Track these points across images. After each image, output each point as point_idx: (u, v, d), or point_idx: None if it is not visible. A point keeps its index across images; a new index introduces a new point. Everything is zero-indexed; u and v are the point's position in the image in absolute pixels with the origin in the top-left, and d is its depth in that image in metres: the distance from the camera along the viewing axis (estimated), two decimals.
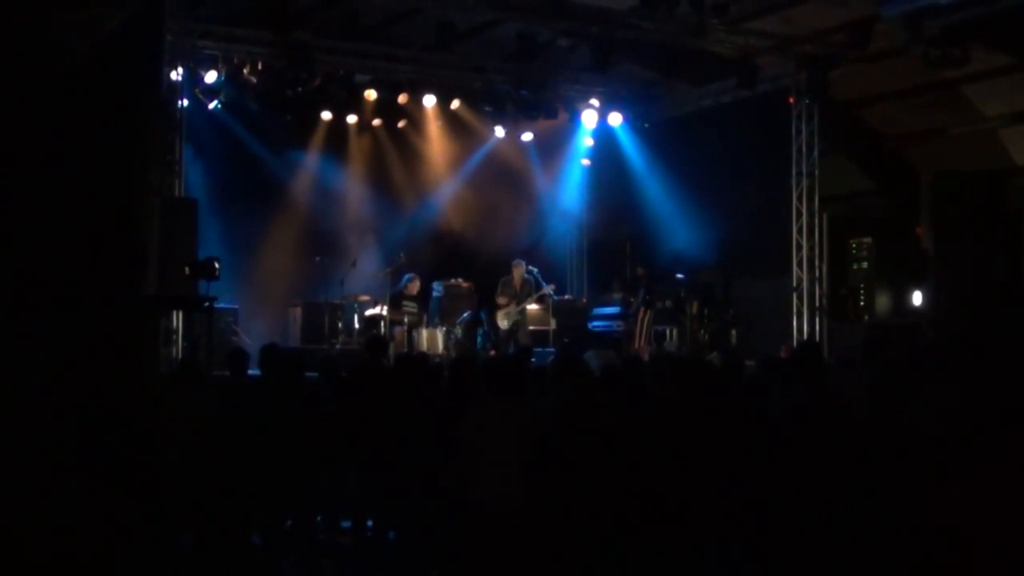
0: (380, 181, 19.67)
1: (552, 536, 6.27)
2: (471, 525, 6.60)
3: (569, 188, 21.33)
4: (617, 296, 18.87)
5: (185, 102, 16.20)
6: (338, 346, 16.54)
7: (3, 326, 7.81)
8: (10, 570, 6.52)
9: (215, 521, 8.64)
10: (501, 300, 17.90)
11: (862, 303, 16.75)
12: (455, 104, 18.60)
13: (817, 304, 17.00)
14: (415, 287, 17.70)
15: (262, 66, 16.63)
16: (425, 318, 17.69)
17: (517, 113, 18.85)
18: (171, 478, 8.73)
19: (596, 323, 19.01)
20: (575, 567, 6.17)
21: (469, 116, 19.19)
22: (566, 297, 19.84)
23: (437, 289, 18.50)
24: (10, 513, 6.97)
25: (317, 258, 17.66)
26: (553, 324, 18.28)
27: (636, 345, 17.28)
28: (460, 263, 19.17)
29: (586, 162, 20.94)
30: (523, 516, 6.30)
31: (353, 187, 19.59)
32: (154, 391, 9.20)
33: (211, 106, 16.79)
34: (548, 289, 18.02)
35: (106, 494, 7.72)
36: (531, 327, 18.05)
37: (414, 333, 17.08)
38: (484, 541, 6.42)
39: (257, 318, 17.46)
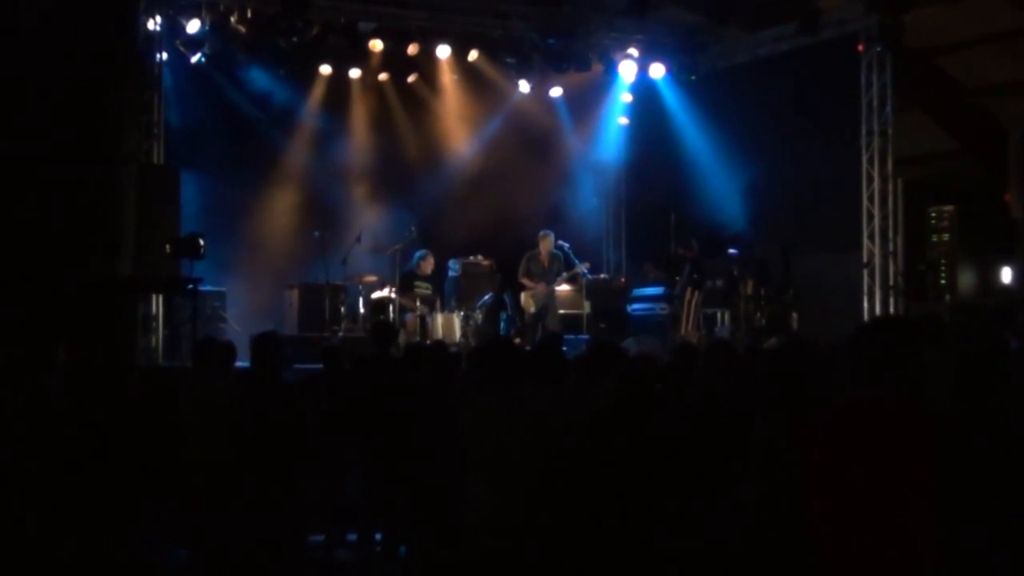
0: (387, 144, 19.62)
1: (564, 559, 6.18)
2: (464, 545, 6.48)
3: (604, 151, 21.26)
4: (652, 275, 18.80)
5: (164, 55, 16.17)
6: (341, 334, 16.51)
7: None
8: None
9: (206, 534, 8.68)
10: (527, 280, 17.83)
11: (943, 281, 16.63)
12: (473, 55, 18.53)
13: (891, 283, 16.87)
14: (428, 266, 17.65)
15: (252, 13, 16.59)
16: (440, 301, 17.65)
17: (544, 65, 18.76)
18: (152, 483, 8.77)
19: (636, 306, 18.94)
20: None
21: (489, 69, 19.13)
22: (601, 276, 19.76)
23: (453, 268, 18.45)
24: None
25: (316, 233, 17.59)
26: (587, 307, 18.22)
27: (683, 331, 17.19)
28: (480, 238, 19.09)
29: (623, 121, 20.85)
30: (526, 536, 6.17)
31: (357, 151, 19.55)
32: (129, 386, 9.23)
33: (194, 60, 16.76)
34: (581, 267, 17.95)
35: (75, 496, 7.75)
36: (561, 311, 17.99)
37: (427, 318, 17.05)
38: (479, 566, 6.29)
39: (248, 302, 17.48)
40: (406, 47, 17.89)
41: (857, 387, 4.77)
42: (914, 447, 4.53)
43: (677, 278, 17.95)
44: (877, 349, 4.71)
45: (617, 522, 6.05)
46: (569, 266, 17.88)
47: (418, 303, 17.20)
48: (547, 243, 17.91)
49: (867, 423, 4.60)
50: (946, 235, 16.65)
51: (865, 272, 16.97)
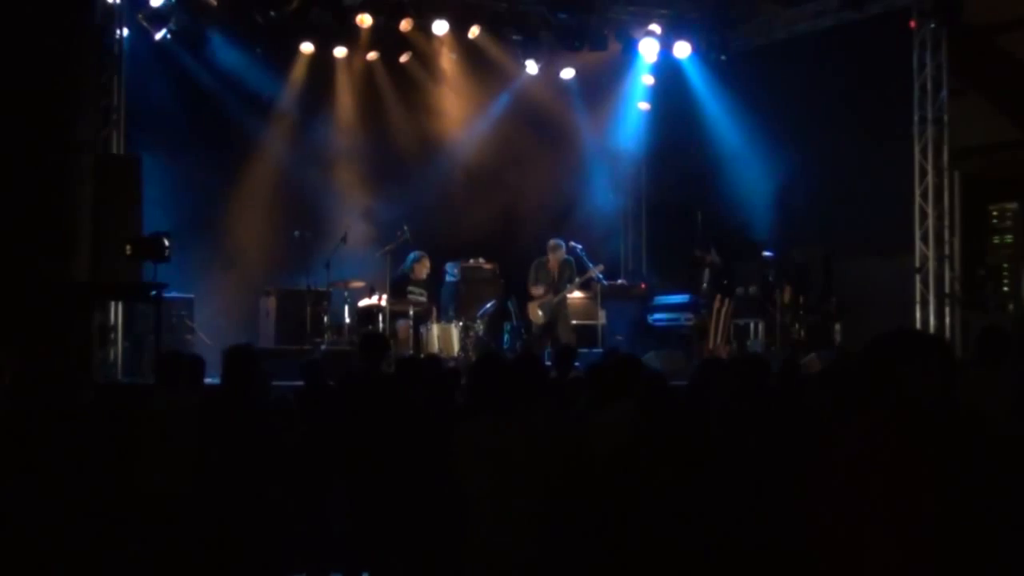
0: (377, 132, 19.61)
1: None
2: None
3: (622, 140, 21.26)
4: (661, 281, 18.83)
5: (125, 31, 16.17)
6: (324, 346, 16.52)
7: None
8: None
9: (169, 572, 8.65)
10: (535, 290, 17.76)
11: (1005, 288, 16.63)
12: (474, 32, 18.56)
13: (947, 290, 16.85)
14: (424, 269, 17.64)
15: None
16: (436, 310, 17.64)
17: (555, 43, 18.77)
18: (109, 514, 8.75)
19: (658, 316, 18.96)
20: None
21: (492, 47, 19.16)
22: (619, 282, 19.77)
23: (452, 272, 18.45)
24: None
25: (296, 233, 17.60)
26: (602, 317, 18.22)
27: (711, 344, 17.18)
28: (481, 239, 19.11)
29: (644, 106, 20.85)
30: None
31: (342, 141, 19.54)
32: (83, 405, 9.19)
33: (158, 36, 16.74)
34: (595, 271, 17.92)
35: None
36: (574, 320, 17.99)
37: (422, 329, 17.04)
38: None
39: (219, 311, 17.50)
40: (398, 22, 17.88)
41: (848, 411, 4.78)
42: (901, 475, 4.53)
43: (704, 285, 17.93)
44: (872, 367, 4.71)
45: (634, 560, 6.04)
46: (582, 270, 17.85)
47: (411, 312, 17.18)
48: (558, 254, 17.78)
49: (853, 450, 4.61)
50: (1009, 236, 16.65)
51: (917, 278, 16.96)
